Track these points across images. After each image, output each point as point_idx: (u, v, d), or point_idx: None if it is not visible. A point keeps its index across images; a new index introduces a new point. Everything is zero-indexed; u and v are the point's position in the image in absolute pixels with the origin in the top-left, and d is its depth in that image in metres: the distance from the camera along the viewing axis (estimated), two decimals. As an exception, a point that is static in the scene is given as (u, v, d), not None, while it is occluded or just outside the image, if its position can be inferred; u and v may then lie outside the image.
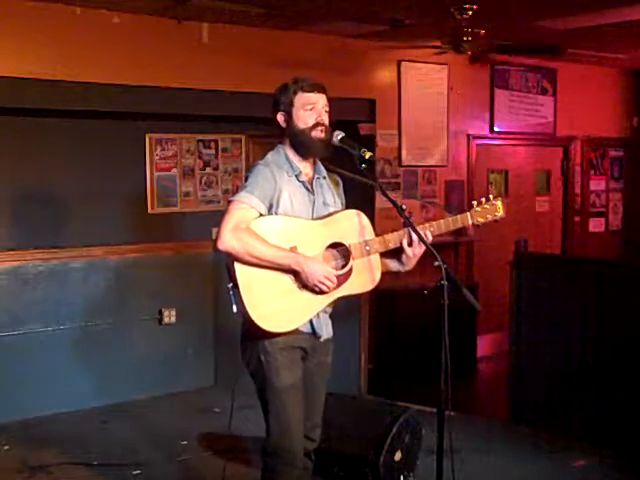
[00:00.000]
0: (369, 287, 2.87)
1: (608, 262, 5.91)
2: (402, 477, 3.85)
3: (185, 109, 5.47)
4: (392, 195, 2.99)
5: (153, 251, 5.65)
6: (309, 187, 2.86)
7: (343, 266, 2.80)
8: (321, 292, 2.73)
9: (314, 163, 2.92)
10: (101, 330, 5.38)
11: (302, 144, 2.85)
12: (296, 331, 2.76)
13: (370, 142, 6.25)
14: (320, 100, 2.85)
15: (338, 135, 2.85)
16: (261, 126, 5.01)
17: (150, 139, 5.82)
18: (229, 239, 2.62)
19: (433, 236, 2.85)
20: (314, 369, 2.92)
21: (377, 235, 2.85)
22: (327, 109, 2.87)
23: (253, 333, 2.74)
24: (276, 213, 2.75)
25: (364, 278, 2.84)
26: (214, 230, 2.80)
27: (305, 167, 2.88)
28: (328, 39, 6.00)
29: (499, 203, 2.95)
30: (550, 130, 7.80)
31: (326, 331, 2.91)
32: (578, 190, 8.18)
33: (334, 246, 2.81)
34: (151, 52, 5.22)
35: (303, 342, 2.82)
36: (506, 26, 5.65)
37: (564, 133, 7.90)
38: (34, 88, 4.80)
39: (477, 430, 4.81)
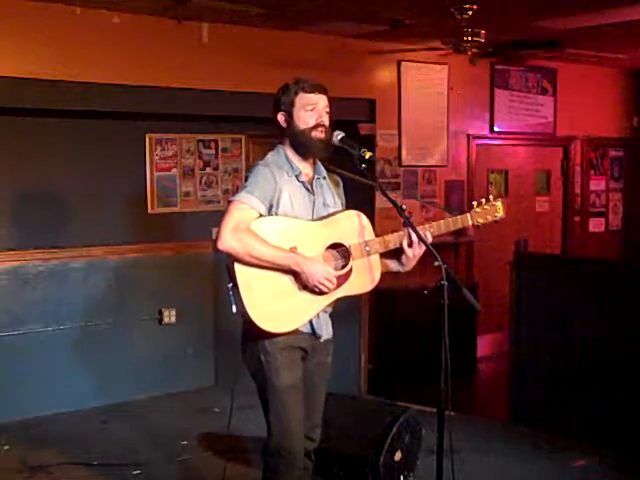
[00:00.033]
0: (369, 288, 2.87)
1: (608, 262, 5.92)
2: (402, 477, 3.85)
3: (185, 109, 5.47)
4: (392, 195, 2.99)
5: (153, 251, 5.65)
6: (309, 187, 2.86)
7: (343, 266, 2.80)
8: (321, 292, 2.73)
9: (314, 163, 2.92)
10: (101, 330, 5.38)
11: (302, 144, 2.85)
12: (296, 331, 2.76)
13: (370, 142, 6.25)
14: (321, 101, 2.85)
15: (338, 135, 2.85)
16: (261, 126, 5.03)
17: (150, 139, 5.81)
18: (229, 239, 2.62)
19: (433, 237, 2.85)
20: (314, 369, 2.92)
21: (377, 235, 2.85)
22: (328, 110, 2.88)
23: (253, 333, 2.74)
24: (276, 213, 2.75)
25: (364, 279, 2.84)
26: (214, 230, 2.81)
27: (305, 167, 2.88)
28: (328, 39, 5.99)
29: (499, 204, 2.96)
30: (550, 130, 7.79)
31: (326, 331, 2.91)
32: (578, 190, 8.18)
33: (334, 247, 2.81)
34: (151, 52, 5.22)
35: (303, 342, 2.83)
36: (506, 26, 5.66)
37: (564, 133, 7.90)
38: (34, 88, 4.80)
39: (477, 430, 4.81)
